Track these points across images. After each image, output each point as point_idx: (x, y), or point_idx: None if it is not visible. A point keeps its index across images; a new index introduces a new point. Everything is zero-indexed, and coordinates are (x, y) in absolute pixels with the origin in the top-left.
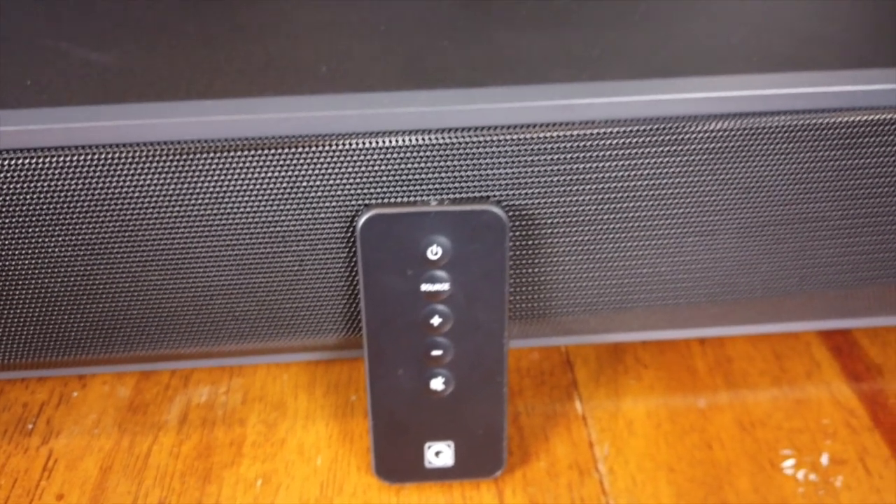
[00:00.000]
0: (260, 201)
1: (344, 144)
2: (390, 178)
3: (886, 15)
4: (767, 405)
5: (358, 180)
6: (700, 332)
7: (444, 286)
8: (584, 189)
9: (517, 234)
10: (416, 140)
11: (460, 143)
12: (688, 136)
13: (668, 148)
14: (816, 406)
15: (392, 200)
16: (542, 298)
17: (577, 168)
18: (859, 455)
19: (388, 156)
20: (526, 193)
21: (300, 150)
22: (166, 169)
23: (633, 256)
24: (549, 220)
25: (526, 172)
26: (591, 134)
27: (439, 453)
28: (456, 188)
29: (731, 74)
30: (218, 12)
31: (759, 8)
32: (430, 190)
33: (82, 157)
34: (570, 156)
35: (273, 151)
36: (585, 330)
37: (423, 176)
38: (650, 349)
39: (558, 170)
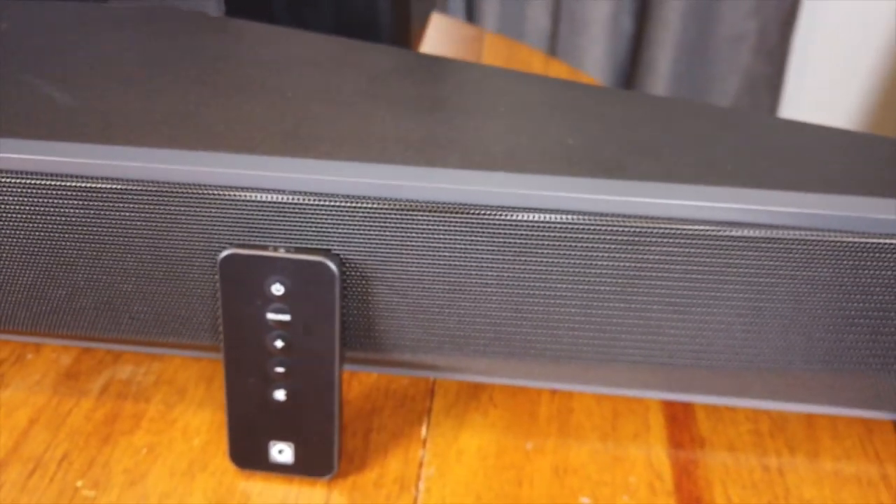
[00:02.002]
0: (152, 231)
1: (219, 194)
2: (251, 225)
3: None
4: (586, 457)
5: (226, 224)
6: (554, 385)
7: (286, 317)
8: (404, 253)
9: (351, 280)
10: (273, 198)
11: (307, 205)
12: (492, 222)
13: (470, 230)
14: (630, 465)
15: (251, 243)
16: (373, 335)
17: (398, 235)
18: None
19: (250, 208)
20: (358, 250)
21: (183, 194)
22: (78, 199)
23: (448, 311)
24: (376, 274)
25: (358, 234)
26: (407, 210)
27: (281, 451)
28: (302, 239)
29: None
30: (181, 73)
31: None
32: (282, 238)
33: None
34: (395, 225)
35: (161, 194)
36: (430, 366)
37: (276, 227)
38: (506, 392)
39: (385, 235)
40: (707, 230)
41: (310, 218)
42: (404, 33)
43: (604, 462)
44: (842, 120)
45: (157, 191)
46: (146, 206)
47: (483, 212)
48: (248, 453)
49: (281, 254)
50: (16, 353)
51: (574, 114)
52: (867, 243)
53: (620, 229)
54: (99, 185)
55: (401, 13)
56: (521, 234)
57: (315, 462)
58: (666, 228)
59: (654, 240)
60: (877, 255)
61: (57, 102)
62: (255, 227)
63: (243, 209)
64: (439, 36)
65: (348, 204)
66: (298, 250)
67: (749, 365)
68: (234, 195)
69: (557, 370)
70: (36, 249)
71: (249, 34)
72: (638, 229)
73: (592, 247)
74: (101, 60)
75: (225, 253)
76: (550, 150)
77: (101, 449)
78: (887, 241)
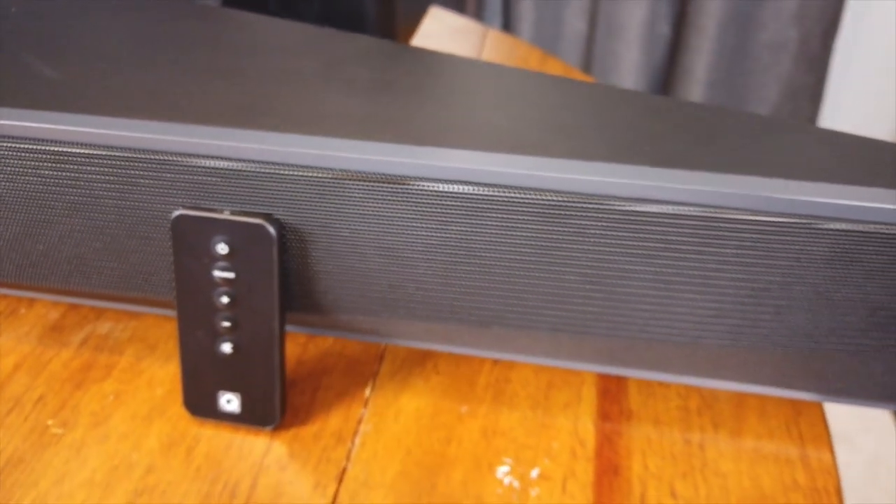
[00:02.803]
0: (116, 192)
1: (174, 160)
2: (203, 189)
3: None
4: (515, 422)
5: (180, 187)
6: (495, 355)
7: (230, 275)
8: (338, 219)
9: (291, 243)
10: (221, 164)
11: (251, 172)
12: (417, 192)
13: (397, 199)
14: (556, 432)
15: (201, 205)
16: (312, 296)
17: (333, 202)
18: (565, 476)
19: (202, 173)
20: (297, 215)
21: (142, 159)
22: (51, 162)
23: (380, 275)
24: (313, 238)
25: (297, 200)
26: (341, 179)
27: (229, 401)
28: (248, 203)
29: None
30: (165, 54)
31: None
32: (230, 201)
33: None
34: (330, 192)
35: (123, 158)
36: (377, 332)
37: (225, 191)
38: (450, 360)
39: (321, 202)
40: (617, 205)
41: (254, 184)
42: (389, 25)
43: (531, 428)
44: (884, 130)
45: (119, 156)
46: (110, 170)
47: (409, 182)
48: (199, 402)
49: (225, 215)
50: (10, 307)
51: (516, 99)
52: (765, 221)
53: (535, 202)
54: (70, 150)
55: (385, 6)
56: (444, 204)
57: (259, 412)
58: (578, 203)
59: (567, 213)
60: (774, 233)
61: (45, 77)
62: (207, 191)
63: (196, 174)
64: (439, 30)
65: (288, 172)
66: (241, 213)
67: (660, 337)
68: (188, 161)
69: (503, 341)
70: (17, 207)
71: (232, 22)
72: (552, 203)
73: (510, 218)
74: (93, 42)
75: (175, 213)
76: (479, 129)
77: (73, 393)
78: (784, 219)
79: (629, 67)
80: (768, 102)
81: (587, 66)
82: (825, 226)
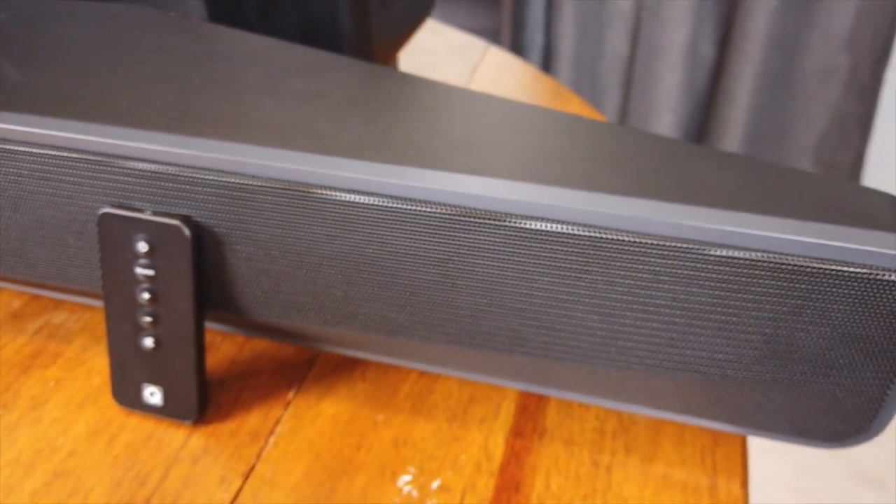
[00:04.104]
0: (52, 189)
1: (104, 160)
2: (130, 188)
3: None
4: (428, 433)
5: (110, 186)
6: (425, 367)
7: (150, 272)
8: (249, 223)
9: (208, 244)
10: (146, 167)
11: (172, 175)
12: (317, 199)
13: (299, 205)
14: (466, 445)
15: (126, 204)
16: (228, 296)
17: (246, 206)
18: (465, 489)
19: (128, 174)
20: (212, 218)
21: (75, 159)
22: None
23: (288, 279)
24: (227, 240)
25: (212, 203)
26: (252, 185)
27: (153, 393)
28: (169, 204)
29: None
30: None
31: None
32: (155, 202)
33: None
34: (241, 197)
35: (58, 157)
36: (303, 336)
37: (150, 191)
38: (379, 369)
39: (233, 205)
40: (509, 222)
41: (174, 186)
42: (364, 43)
43: (443, 440)
44: None
45: (55, 154)
46: (46, 168)
47: (312, 190)
48: (126, 393)
49: (145, 215)
50: None
51: (439, 116)
52: (649, 244)
53: (427, 215)
54: (10, 147)
55: (360, 23)
56: (344, 213)
57: (180, 406)
58: (469, 218)
59: (461, 227)
60: (659, 255)
61: (6, 79)
62: (133, 191)
63: (122, 175)
64: (438, 46)
65: (204, 176)
66: (161, 214)
67: (555, 356)
68: (116, 162)
69: (432, 354)
70: None
71: (196, 33)
72: (444, 216)
73: (405, 229)
74: (62, 48)
75: (101, 211)
76: (393, 143)
77: (19, 378)
78: (668, 243)
79: (669, 89)
80: (815, 130)
81: (627, 87)
82: (712, 252)
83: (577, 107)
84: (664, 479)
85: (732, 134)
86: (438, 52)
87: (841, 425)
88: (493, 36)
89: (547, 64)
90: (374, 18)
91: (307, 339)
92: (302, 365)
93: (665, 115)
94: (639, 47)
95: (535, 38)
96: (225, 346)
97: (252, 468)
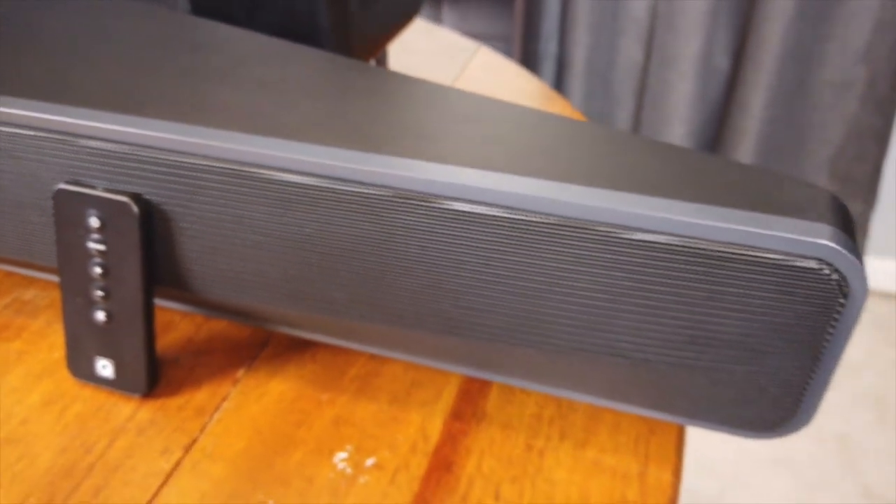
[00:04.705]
0: (15, 166)
1: (61, 138)
2: (86, 166)
3: None
4: (369, 414)
5: (67, 163)
6: (374, 350)
7: (102, 247)
8: (193, 201)
9: (156, 222)
10: (99, 145)
11: (123, 153)
12: (251, 177)
13: (239, 185)
14: (405, 426)
15: (80, 180)
16: (177, 272)
17: (191, 185)
18: (397, 468)
19: (84, 152)
20: (160, 196)
21: (35, 136)
22: None
23: (232, 256)
24: (175, 217)
25: (160, 181)
26: (197, 164)
27: (105, 366)
28: (122, 182)
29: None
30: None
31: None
32: (109, 179)
33: None
34: (186, 176)
35: (19, 135)
36: (255, 315)
37: (104, 169)
38: (329, 351)
39: (178, 184)
40: (436, 203)
41: (126, 164)
42: (341, 38)
43: (382, 421)
44: None
45: (18, 133)
46: (10, 145)
47: (251, 170)
48: (80, 366)
49: (97, 192)
50: None
51: (387, 102)
52: (565, 226)
53: (360, 195)
54: None
55: (338, 19)
56: (281, 192)
57: (130, 380)
58: (400, 199)
59: (391, 208)
60: (575, 238)
61: None
62: (90, 169)
63: (80, 153)
64: (429, 47)
65: (153, 155)
66: (112, 191)
67: (482, 337)
68: (73, 140)
69: (382, 337)
70: None
71: (171, 23)
72: (376, 196)
73: (341, 209)
74: (41, 33)
75: (56, 187)
76: (336, 127)
77: None
78: (585, 226)
79: (682, 99)
80: (831, 143)
81: (640, 96)
82: (631, 236)
83: (558, 107)
84: (595, 465)
85: (746, 145)
86: (428, 53)
87: (768, 414)
88: (506, 43)
89: (560, 72)
90: (353, 16)
91: (261, 319)
92: (255, 345)
93: (678, 124)
94: (652, 56)
95: (549, 47)
96: (183, 325)
97: (194, 441)
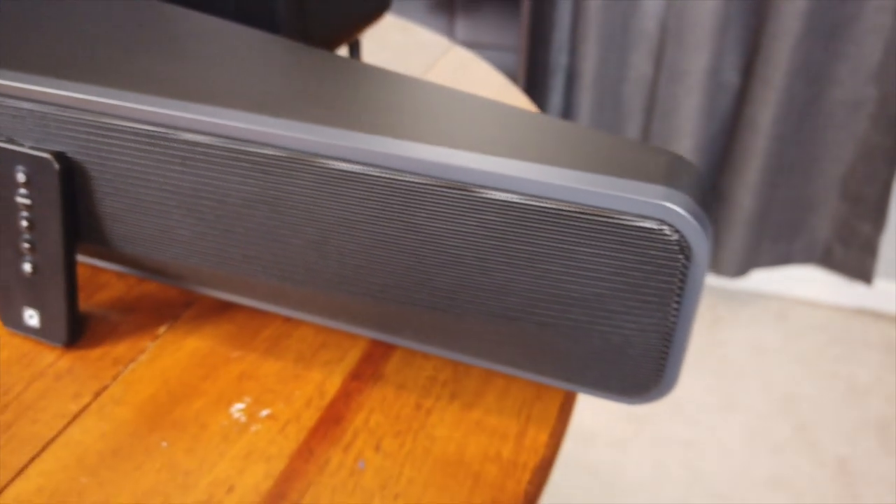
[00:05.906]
0: None
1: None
2: (19, 126)
3: None
4: (273, 371)
5: (3, 125)
6: (287, 312)
7: (28, 202)
8: (112, 160)
9: (79, 179)
10: (29, 106)
11: (48, 114)
12: (160, 137)
13: (150, 144)
14: (304, 383)
15: (13, 139)
16: (101, 231)
17: (108, 144)
18: (289, 420)
19: (17, 113)
20: (82, 154)
21: None
22: None
23: (146, 214)
24: (95, 175)
25: (81, 140)
26: (113, 125)
27: (31, 316)
28: (49, 141)
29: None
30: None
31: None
32: (37, 138)
33: None
34: (104, 136)
35: None
36: (178, 276)
37: (34, 129)
38: (248, 313)
39: (98, 143)
40: (319, 162)
41: (51, 124)
42: (299, 28)
43: (284, 377)
44: None
45: None
46: None
47: (153, 129)
48: (11, 315)
49: (23, 149)
50: None
51: (289, 72)
52: (410, 182)
53: (254, 154)
54: None
55: (295, 10)
56: (185, 152)
57: (53, 330)
58: (280, 158)
59: (279, 167)
60: (415, 191)
61: None
62: (22, 128)
63: (12, 113)
64: (404, 42)
65: (75, 116)
66: (37, 148)
67: (337, 292)
68: (6, 101)
69: (299, 300)
70: None
71: (134, 5)
72: (269, 156)
73: (236, 168)
74: (26, 9)
75: None
76: (242, 93)
77: None
78: (438, 184)
79: (690, 113)
80: (842, 162)
81: (649, 110)
82: (484, 194)
83: (514, 100)
84: (477, 424)
85: (755, 161)
86: (401, 49)
87: (634, 378)
88: (518, 54)
89: (570, 84)
90: (311, 4)
91: (183, 280)
92: (179, 306)
93: (686, 138)
94: (662, 71)
95: (560, 58)
96: (117, 285)
97: (105, 387)
